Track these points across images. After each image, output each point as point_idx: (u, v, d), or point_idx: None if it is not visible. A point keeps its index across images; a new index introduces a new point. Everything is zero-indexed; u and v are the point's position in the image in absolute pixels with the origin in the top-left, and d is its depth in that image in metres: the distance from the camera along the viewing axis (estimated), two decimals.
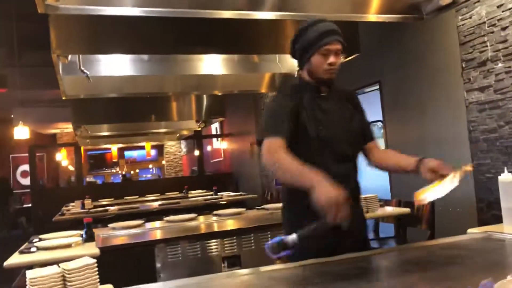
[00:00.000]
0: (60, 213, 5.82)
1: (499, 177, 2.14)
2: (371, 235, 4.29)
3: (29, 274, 1.55)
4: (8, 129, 11.89)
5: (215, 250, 3.01)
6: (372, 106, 5.55)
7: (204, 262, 2.98)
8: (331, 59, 1.76)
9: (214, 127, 11.34)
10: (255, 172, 8.66)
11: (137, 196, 8.08)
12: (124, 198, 8.01)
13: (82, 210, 5.74)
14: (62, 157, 12.52)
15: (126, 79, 4.42)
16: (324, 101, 1.86)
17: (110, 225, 3.64)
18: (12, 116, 11.13)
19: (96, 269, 1.60)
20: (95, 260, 1.60)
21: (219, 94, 6.34)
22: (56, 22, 2.46)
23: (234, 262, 3.04)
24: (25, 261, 2.59)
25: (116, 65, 4.15)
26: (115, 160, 14.38)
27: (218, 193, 6.53)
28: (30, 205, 9.94)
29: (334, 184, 1.52)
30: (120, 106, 6.43)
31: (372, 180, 5.81)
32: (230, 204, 5.66)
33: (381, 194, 5.03)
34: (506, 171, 2.14)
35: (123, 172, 13.90)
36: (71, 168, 12.86)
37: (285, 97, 1.84)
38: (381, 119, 5.31)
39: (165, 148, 14.89)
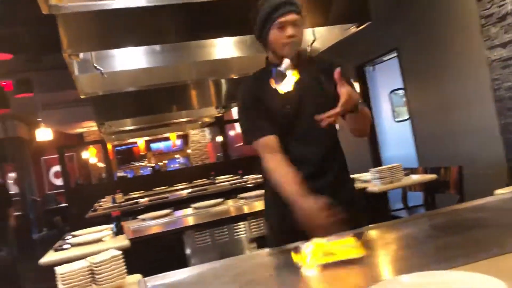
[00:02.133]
0: (92, 209, 5.96)
1: None
2: (400, 205, 4.25)
3: (58, 270, 1.59)
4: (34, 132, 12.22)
5: (243, 232, 3.04)
6: (392, 75, 5.44)
7: (232, 245, 3.01)
8: (289, 31, 1.67)
9: (236, 112, 11.34)
10: None
11: (166, 187, 8.18)
12: (154, 189, 8.12)
13: (113, 205, 5.86)
14: (91, 155, 12.78)
15: (141, 71, 4.43)
16: None
17: (140, 217, 3.70)
18: (40, 119, 11.43)
19: (122, 260, 1.63)
20: (120, 252, 1.63)
21: (236, 77, 6.31)
22: (63, 21, 2.47)
23: (262, 243, 3.06)
24: (60, 258, 2.66)
25: (130, 59, 4.17)
26: (142, 153, 14.61)
27: (244, 177, 6.56)
28: (65, 204, 10.25)
29: (313, 198, 1.52)
30: (140, 99, 6.45)
31: (398, 150, 5.75)
32: (256, 186, 5.67)
33: (407, 163, 4.96)
34: None
35: (152, 164, 14.10)
36: (100, 164, 13.12)
37: (251, 87, 1.81)
38: (402, 86, 5.21)
39: (190, 137, 15.00)
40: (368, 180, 3.29)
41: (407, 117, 5.28)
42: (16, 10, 5.16)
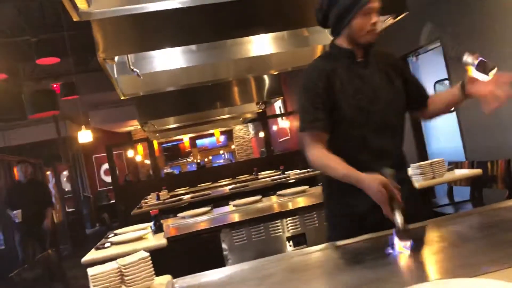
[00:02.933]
0: (138, 206, 6.12)
1: None
2: (445, 200, 4.09)
3: (90, 271, 1.63)
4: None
5: (279, 230, 3.01)
6: (436, 65, 5.24)
7: (269, 243, 2.99)
8: (374, 18, 1.63)
9: (278, 106, 11.31)
10: None
11: (210, 183, 8.29)
12: (198, 185, 8.25)
13: (157, 202, 5.99)
14: (138, 152, 13.14)
15: (180, 71, 4.49)
16: (362, 68, 1.73)
17: (180, 215, 3.76)
18: (89, 119, 11.88)
19: (150, 262, 1.66)
20: (148, 254, 1.66)
21: (274, 73, 6.28)
22: (97, 25, 2.54)
23: (299, 240, 3.03)
24: (100, 256, 2.75)
25: (168, 59, 4.23)
26: (188, 150, 14.88)
27: (286, 172, 6.52)
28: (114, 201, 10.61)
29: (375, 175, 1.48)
30: (182, 97, 6.57)
31: (444, 143, 5.53)
32: (298, 182, 5.63)
33: (454, 156, 4.77)
34: None
35: (197, 161, 14.34)
36: (148, 162, 13.48)
37: (317, 74, 1.72)
38: (447, 77, 4.99)
39: (234, 132, 15.13)
40: (410, 175, 3.17)
41: (452, 108, 5.06)
42: (60, 16, 5.37)
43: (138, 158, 13.60)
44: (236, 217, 3.24)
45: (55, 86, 8.36)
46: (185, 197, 6.09)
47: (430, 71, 5.57)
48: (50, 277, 3.24)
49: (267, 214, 3.07)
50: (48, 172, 10.57)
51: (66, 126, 11.44)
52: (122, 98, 4.30)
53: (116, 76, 3.77)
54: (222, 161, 15.06)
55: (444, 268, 1.30)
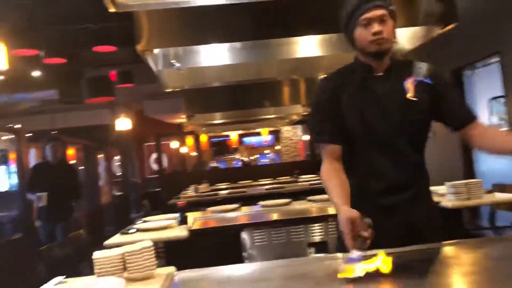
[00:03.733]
0: (176, 196, 6.25)
1: None
2: (486, 223, 3.88)
3: (95, 254, 1.68)
4: (139, 120, 13.11)
5: (302, 236, 2.98)
6: (493, 80, 4.97)
7: (290, 247, 2.97)
8: (375, 27, 1.56)
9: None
10: None
11: (250, 181, 8.32)
12: (239, 182, 8.31)
13: (195, 194, 6.10)
14: (187, 144, 13.41)
15: (225, 68, 4.53)
16: (379, 82, 1.65)
17: (209, 209, 3.81)
18: (144, 108, 12.25)
19: (153, 251, 1.68)
20: (151, 244, 1.69)
21: (323, 76, 6.20)
22: (138, 17, 2.61)
23: (321, 248, 2.98)
24: (123, 241, 2.81)
25: (213, 56, 4.27)
26: (235, 146, 15.02)
27: None
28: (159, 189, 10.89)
29: (352, 209, 1.46)
30: (230, 93, 6.62)
31: (495, 163, 5.23)
32: None
33: (505, 178, 4.49)
34: None
35: (243, 158, 14.45)
36: (194, 154, 13.73)
37: (324, 87, 1.72)
38: (503, 94, 4.73)
39: (281, 133, 15.09)
40: (444, 194, 3.04)
41: (507, 127, 4.79)
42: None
43: (187, 150, 13.88)
44: (260, 218, 3.24)
45: (112, 73, 8.67)
46: (222, 192, 6.16)
47: (486, 87, 5.30)
48: (79, 256, 3.37)
49: (291, 218, 3.04)
50: (100, 156, 11.03)
51: (120, 113, 11.84)
52: (168, 90, 4.39)
53: (160, 68, 3.85)
54: (267, 160, 15.09)
55: None
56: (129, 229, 3.10)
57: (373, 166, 1.67)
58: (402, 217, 1.66)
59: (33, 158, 8.59)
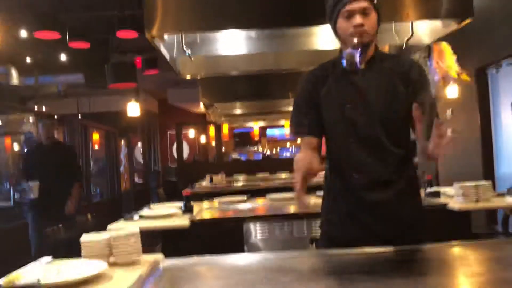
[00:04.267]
0: (191, 186, 6.27)
1: None
2: (500, 228, 3.75)
3: (83, 237, 1.69)
4: (162, 107, 13.21)
5: (303, 231, 2.94)
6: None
7: (291, 242, 2.93)
8: (357, 20, 1.55)
9: None
10: None
11: (267, 173, 8.29)
12: (257, 174, 8.29)
13: (209, 184, 6.11)
14: (210, 134, 13.44)
15: (241, 57, 4.49)
16: (360, 75, 1.62)
17: (216, 199, 3.80)
18: (168, 96, 12.33)
19: (139, 238, 1.68)
20: (138, 231, 1.68)
21: None
22: (147, 2, 2.59)
23: None
24: (124, 227, 2.84)
25: (230, 44, 4.24)
26: (257, 139, 14.98)
27: None
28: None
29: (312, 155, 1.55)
30: (250, 84, 6.55)
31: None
32: None
33: None
34: None
35: (264, 150, 14.42)
36: (215, 144, 13.77)
37: (305, 80, 1.72)
38: None
39: None
40: (452, 195, 2.94)
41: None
42: None
43: (208, 140, 13.93)
44: (264, 211, 3.21)
45: (137, 60, 8.75)
46: (237, 183, 6.15)
47: (510, 88, 5.13)
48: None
49: (294, 212, 3.00)
50: (122, 142, 11.17)
51: (144, 100, 11.95)
52: (187, 77, 4.37)
53: (175, 55, 3.84)
54: (288, 154, 15.02)
55: None
56: (133, 216, 3.12)
57: (354, 160, 1.65)
58: (387, 213, 1.65)
59: None
